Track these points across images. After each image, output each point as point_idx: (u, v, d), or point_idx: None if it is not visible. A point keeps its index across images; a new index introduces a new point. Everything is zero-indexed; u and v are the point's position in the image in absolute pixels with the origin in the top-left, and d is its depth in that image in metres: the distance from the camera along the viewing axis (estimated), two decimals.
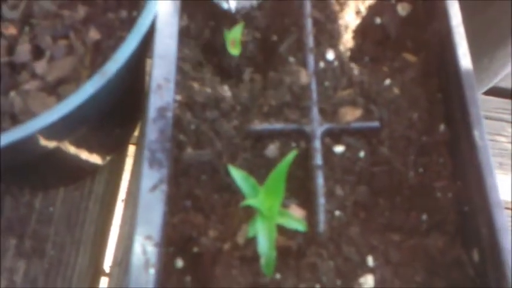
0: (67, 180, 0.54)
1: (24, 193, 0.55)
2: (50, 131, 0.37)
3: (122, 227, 0.56)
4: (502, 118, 1.01)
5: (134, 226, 0.34)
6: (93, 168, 0.55)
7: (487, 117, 1.00)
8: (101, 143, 0.52)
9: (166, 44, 0.39)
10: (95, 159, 0.53)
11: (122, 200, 0.59)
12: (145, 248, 0.34)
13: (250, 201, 0.35)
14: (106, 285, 0.55)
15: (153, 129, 0.37)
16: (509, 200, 0.94)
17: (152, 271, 0.33)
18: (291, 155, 0.36)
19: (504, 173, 0.97)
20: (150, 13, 0.37)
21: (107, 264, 0.56)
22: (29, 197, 0.55)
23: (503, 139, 1.01)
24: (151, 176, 0.36)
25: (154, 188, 0.35)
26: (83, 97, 0.35)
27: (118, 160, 0.58)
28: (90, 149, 0.50)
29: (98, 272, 0.55)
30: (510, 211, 0.98)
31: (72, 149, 0.47)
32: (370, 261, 0.38)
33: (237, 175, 0.36)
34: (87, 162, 0.53)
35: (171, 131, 0.37)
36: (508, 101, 1.01)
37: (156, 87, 0.38)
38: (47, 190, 0.55)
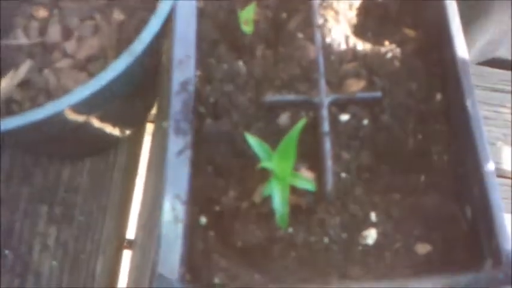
0: (92, 151, 0.59)
1: (52, 164, 0.60)
2: (82, 106, 0.41)
3: (144, 193, 0.60)
4: (507, 90, 1.03)
5: (163, 187, 0.38)
6: (116, 141, 0.59)
7: (493, 90, 1.02)
8: (123, 117, 0.56)
9: (186, 24, 0.42)
10: (117, 132, 0.57)
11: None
12: (174, 206, 0.38)
13: (265, 164, 0.39)
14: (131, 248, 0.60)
15: (177, 101, 0.41)
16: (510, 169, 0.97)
17: (180, 226, 0.38)
18: (301, 123, 0.40)
19: (508, 144, 0.99)
20: None
21: (131, 228, 0.61)
22: (58, 167, 0.60)
23: (507, 110, 1.03)
24: (176, 143, 0.40)
25: (180, 153, 0.40)
26: (113, 74, 0.39)
27: (138, 134, 0.63)
28: (114, 123, 0.54)
29: (123, 236, 0.60)
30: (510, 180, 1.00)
31: (97, 123, 0.51)
32: (373, 217, 0.42)
33: (253, 141, 0.40)
34: (110, 135, 0.57)
35: (193, 103, 0.41)
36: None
37: (178, 63, 0.41)
38: (73, 161, 0.59)
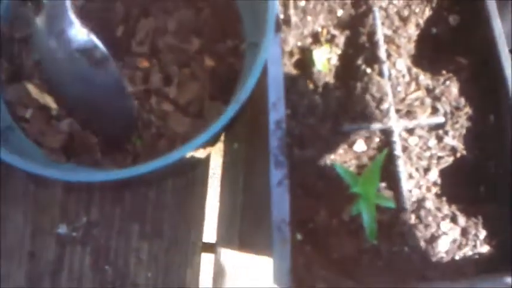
0: (176, 173, 0.66)
1: (140, 186, 0.67)
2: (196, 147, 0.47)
3: (221, 205, 0.67)
4: None
5: (272, 213, 0.45)
6: (196, 162, 0.66)
7: None
8: (209, 144, 0.63)
9: (276, 69, 0.49)
10: (199, 155, 0.64)
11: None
12: (280, 227, 0.45)
13: (355, 188, 0.47)
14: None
15: (274, 139, 0.48)
16: None
17: (288, 244, 0.45)
18: (383, 153, 0.47)
19: None
20: (266, 49, 0.47)
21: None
22: (145, 189, 0.67)
23: None
24: (276, 175, 0.47)
25: (280, 183, 0.47)
26: (226, 120, 0.45)
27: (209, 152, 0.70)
28: (203, 149, 0.61)
29: (201, 242, 0.66)
30: None
31: (192, 153, 0.58)
32: (443, 226, 0.49)
33: (341, 170, 0.48)
34: (194, 159, 0.64)
35: (285, 138, 0.48)
36: None
37: (272, 106, 0.48)
38: (158, 182, 0.66)
